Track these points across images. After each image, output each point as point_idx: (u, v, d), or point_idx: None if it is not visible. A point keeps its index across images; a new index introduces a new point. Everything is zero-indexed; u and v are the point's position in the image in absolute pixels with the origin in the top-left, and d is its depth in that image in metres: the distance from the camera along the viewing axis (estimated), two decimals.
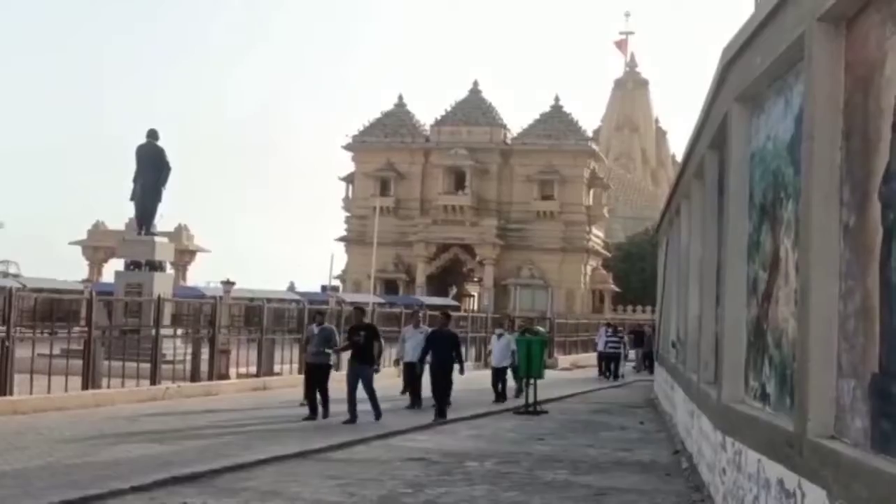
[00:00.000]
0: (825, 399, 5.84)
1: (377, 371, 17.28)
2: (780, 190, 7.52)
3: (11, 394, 16.42)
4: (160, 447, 12.98)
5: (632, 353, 39.91)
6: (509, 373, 22.81)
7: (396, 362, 22.07)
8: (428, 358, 18.62)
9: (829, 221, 5.90)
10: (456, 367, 18.93)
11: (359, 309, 18.50)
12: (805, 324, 6.06)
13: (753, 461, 7.47)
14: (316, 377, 17.13)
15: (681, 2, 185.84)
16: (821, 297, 5.90)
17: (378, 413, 16.81)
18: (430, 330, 20.14)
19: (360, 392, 16.88)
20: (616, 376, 33.13)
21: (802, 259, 6.29)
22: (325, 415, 16.87)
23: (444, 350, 18.11)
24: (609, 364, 33.76)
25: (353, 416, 16.40)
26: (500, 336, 22.89)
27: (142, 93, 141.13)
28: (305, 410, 17.16)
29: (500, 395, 22.09)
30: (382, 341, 17.96)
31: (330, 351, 17.67)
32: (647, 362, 37.79)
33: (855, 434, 5.45)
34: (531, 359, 20.77)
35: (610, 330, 35.03)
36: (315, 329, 17.66)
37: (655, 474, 12.84)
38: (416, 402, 19.57)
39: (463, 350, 22.91)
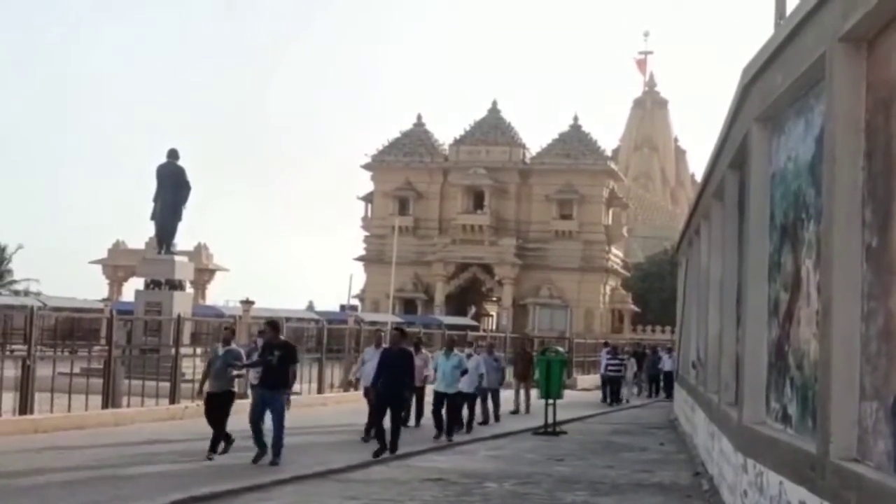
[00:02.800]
0: (848, 421, 5.80)
1: (289, 400, 14.10)
2: (802, 210, 7.49)
3: (32, 412, 16.48)
4: (179, 466, 12.99)
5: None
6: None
7: (350, 384, 20.34)
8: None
9: (851, 242, 5.87)
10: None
11: (272, 323, 14.97)
12: (827, 345, 6.02)
13: (775, 483, 7.42)
14: (216, 407, 14.07)
15: (701, 22, 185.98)
16: (843, 319, 5.87)
17: (278, 452, 13.51)
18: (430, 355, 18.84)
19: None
20: (618, 400, 30.82)
21: (824, 280, 6.26)
22: (226, 448, 13.99)
23: (396, 372, 15.12)
24: (612, 387, 31.08)
25: (262, 449, 13.55)
26: (468, 357, 19.55)
27: (161, 111, 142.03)
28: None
29: (451, 428, 18.28)
30: (298, 365, 15.25)
31: (237, 374, 14.61)
32: (652, 385, 36.13)
33: (878, 457, 5.40)
34: (551, 379, 20.71)
35: (610, 352, 32.20)
36: (220, 350, 14.33)
37: (676, 496, 12.76)
38: (375, 431, 16.01)
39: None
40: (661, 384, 35.70)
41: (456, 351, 18.68)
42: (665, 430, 22.51)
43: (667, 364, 34.40)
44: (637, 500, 12.27)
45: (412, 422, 19.10)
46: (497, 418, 21.67)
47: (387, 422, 15.23)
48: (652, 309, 71.27)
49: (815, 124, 7.11)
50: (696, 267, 18.47)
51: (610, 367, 31.07)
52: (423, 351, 20.01)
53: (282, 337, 14.77)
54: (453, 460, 15.54)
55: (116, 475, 12.14)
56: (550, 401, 20.60)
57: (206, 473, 12.42)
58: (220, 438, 13.88)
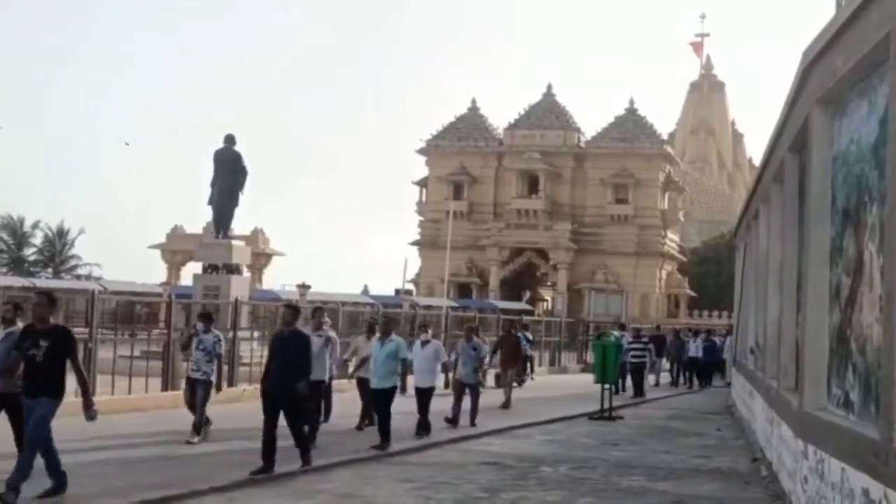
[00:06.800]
0: None
1: (92, 413, 9.48)
2: (864, 193, 7.38)
3: (94, 394, 16.74)
4: (237, 448, 13.12)
5: (664, 363, 33.09)
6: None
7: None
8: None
9: None
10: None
11: (44, 296, 9.74)
12: (890, 330, 5.93)
13: (837, 470, 7.33)
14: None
15: (758, 3, 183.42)
16: None
17: (59, 482, 9.50)
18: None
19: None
20: (641, 392, 26.56)
21: (888, 264, 6.16)
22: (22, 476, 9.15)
23: (287, 360, 11.76)
24: (634, 377, 26.88)
25: (57, 482, 9.52)
26: (424, 343, 15.91)
27: (218, 97, 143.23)
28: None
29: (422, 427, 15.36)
30: (80, 359, 10.07)
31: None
32: (678, 373, 32.79)
33: None
34: (606, 364, 20.63)
35: (629, 335, 28.16)
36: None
37: (734, 482, 12.68)
38: (263, 442, 11.82)
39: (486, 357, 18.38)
40: (687, 372, 32.48)
41: (394, 337, 14.84)
42: (722, 415, 22.34)
43: (692, 349, 31.92)
44: (694, 486, 12.21)
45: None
46: (473, 421, 17.26)
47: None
48: (709, 294, 70.68)
49: (878, 106, 6.99)
50: (754, 251, 18.28)
51: (632, 354, 26.55)
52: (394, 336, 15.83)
53: (53, 319, 9.77)
54: (508, 444, 15.57)
55: (176, 457, 12.31)
56: (606, 386, 20.52)
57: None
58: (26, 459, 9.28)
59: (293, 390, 11.61)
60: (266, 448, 11.44)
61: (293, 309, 12.80)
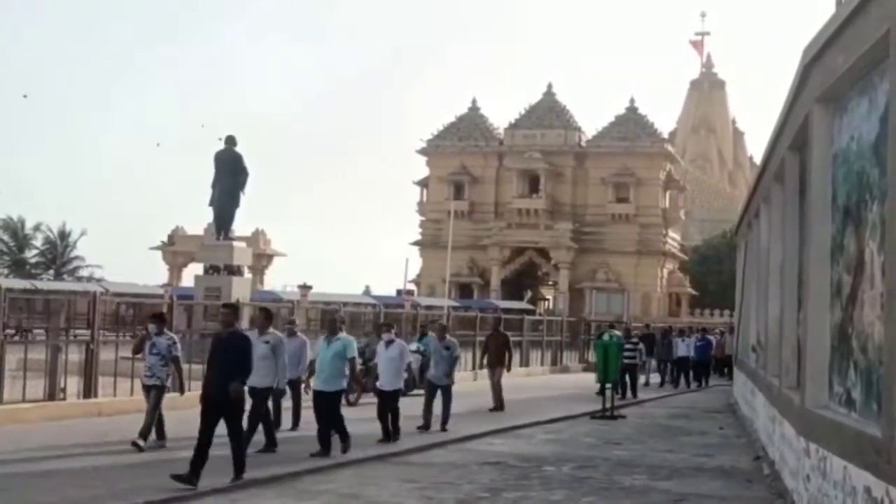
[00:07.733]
0: None
1: None
2: (865, 191, 7.38)
3: (96, 396, 16.80)
4: None
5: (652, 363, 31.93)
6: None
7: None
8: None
9: None
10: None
11: None
12: (892, 328, 5.94)
13: (839, 468, 7.34)
14: None
15: (759, 1, 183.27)
16: None
17: None
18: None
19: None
20: (634, 393, 25.45)
21: (889, 261, 6.17)
22: None
23: (227, 362, 10.70)
24: (623, 377, 24.35)
25: None
26: (388, 344, 14.92)
27: (217, 97, 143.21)
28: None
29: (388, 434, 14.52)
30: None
31: None
32: (666, 373, 31.92)
33: None
34: (608, 362, 20.62)
35: (621, 335, 26.22)
36: None
37: (736, 480, 12.68)
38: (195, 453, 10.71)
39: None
40: (674, 371, 31.74)
41: (342, 335, 13.55)
42: (724, 414, 22.34)
43: (681, 349, 31.26)
44: (697, 485, 12.21)
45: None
46: (444, 425, 16.21)
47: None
48: (710, 292, 70.78)
49: (878, 103, 6.99)
50: (755, 250, 18.28)
51: (624, 354, 24.16)
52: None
53: None
54: (511, 444, 15.57)
55: (179, 458, 12.30)
56: (608, 384, 20.51)
57: (265, 457, 12.55)
58: None
59: (231, 394, 10.62)
60: (197, 456, 10.48)
61: (232, 308, 11.75)
